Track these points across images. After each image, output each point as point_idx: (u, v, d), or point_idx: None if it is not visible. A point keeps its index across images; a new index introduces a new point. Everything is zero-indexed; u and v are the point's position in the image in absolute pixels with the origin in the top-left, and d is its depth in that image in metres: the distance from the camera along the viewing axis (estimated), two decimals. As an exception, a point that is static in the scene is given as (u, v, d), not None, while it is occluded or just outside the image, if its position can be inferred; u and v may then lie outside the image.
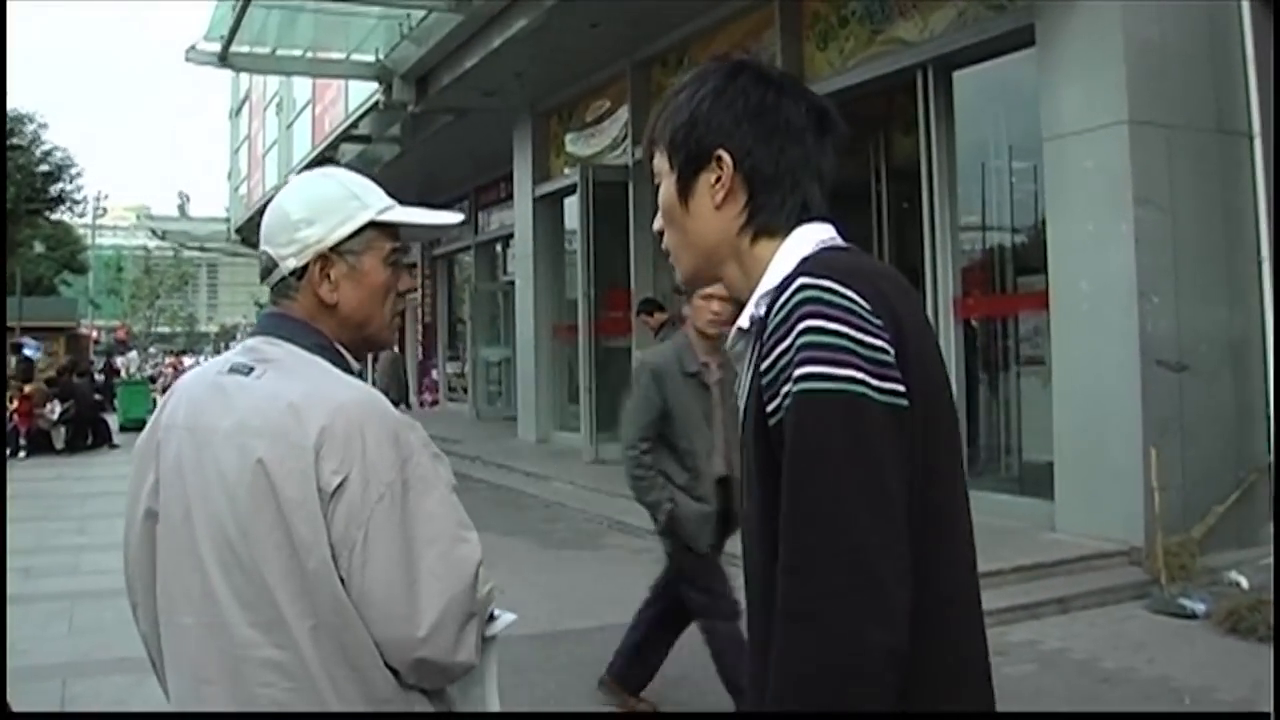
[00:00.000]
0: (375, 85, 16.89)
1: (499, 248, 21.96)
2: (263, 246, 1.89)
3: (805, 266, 1.48)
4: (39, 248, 30.86)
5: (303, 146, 23.40)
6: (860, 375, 1.35)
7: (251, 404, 1.74)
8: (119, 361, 42.68)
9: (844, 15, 10.72)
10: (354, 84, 18.84)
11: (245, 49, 15.89)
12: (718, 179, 1.59)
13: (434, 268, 25.72)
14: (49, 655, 6.27)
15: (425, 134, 18.76)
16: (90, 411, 21.50)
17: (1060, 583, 7.36)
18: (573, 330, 15.41)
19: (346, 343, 1.89)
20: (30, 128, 24.32)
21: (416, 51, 15.07)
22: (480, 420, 21.53)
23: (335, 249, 1.86)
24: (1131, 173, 7.71)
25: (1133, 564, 7.57)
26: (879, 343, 1.38)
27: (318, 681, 1.67)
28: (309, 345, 1.83)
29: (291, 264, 1.86)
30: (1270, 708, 4.79)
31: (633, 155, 14.04)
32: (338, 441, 1.68)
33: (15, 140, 23.97)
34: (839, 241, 1.58)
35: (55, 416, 20.18)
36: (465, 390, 23.43)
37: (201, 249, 48.10)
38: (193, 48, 15.55)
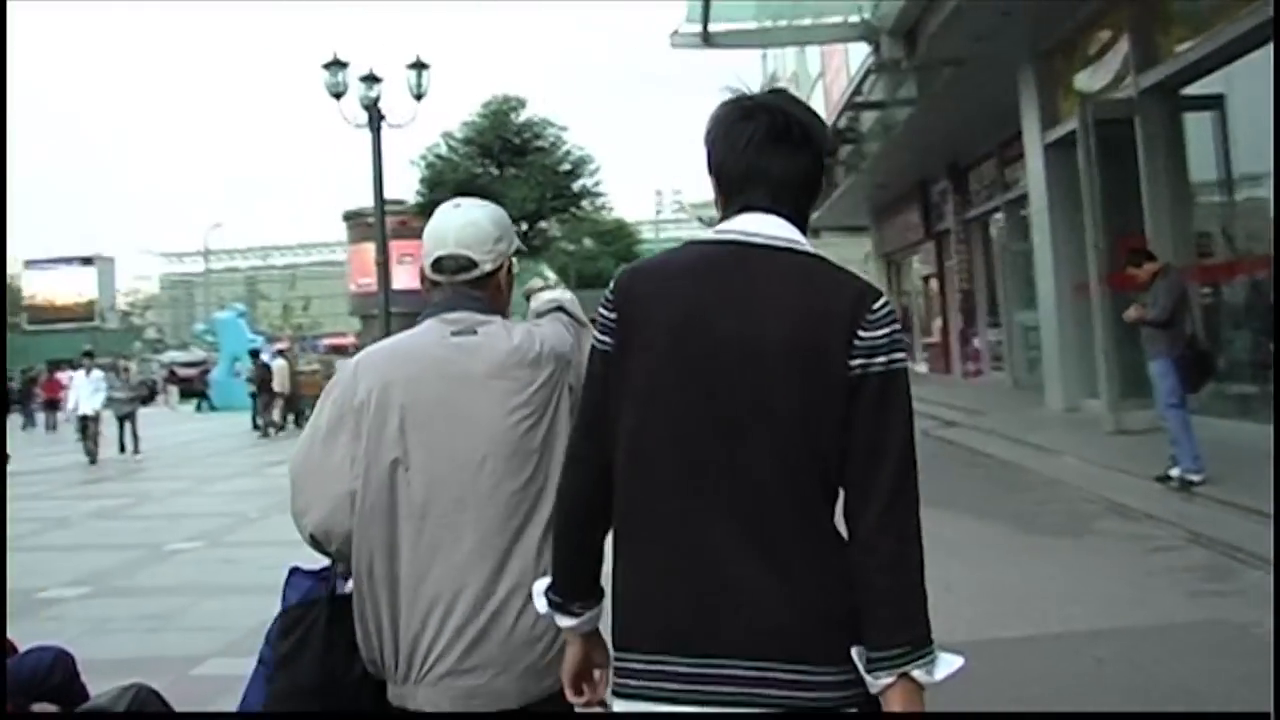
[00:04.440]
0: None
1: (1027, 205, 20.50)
2: (460, 250, 2.60)
3: None
4: (589, 243, 33.37)
5: (820, 119, 23.27)
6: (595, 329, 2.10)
7: (494, 349, 2.51)
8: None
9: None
10: (855, 50, 18.41)
11: (731, 26, 15.95)
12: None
13: (967, 232, 24.56)
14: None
15: (933, 90, 17.89)
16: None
17: None
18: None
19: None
20: (551, 131, 26.47)
21: (899, 4, 14.38)
22: (1018, 388, 20.34)
23: (510, 257, 2.69)
24: None
25: None
26: (604, 311, 2.06)
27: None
28: (499, 313, 2.62)
29: (489, 266, 2.62)
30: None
31: (1137, 87, 12.44)
32: (554, 355, 2.57)
33: (539, 144, 26.22)
34: (732, 228, 2.04)
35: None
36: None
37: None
38: (675, 32, 15.79)
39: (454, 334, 2.52)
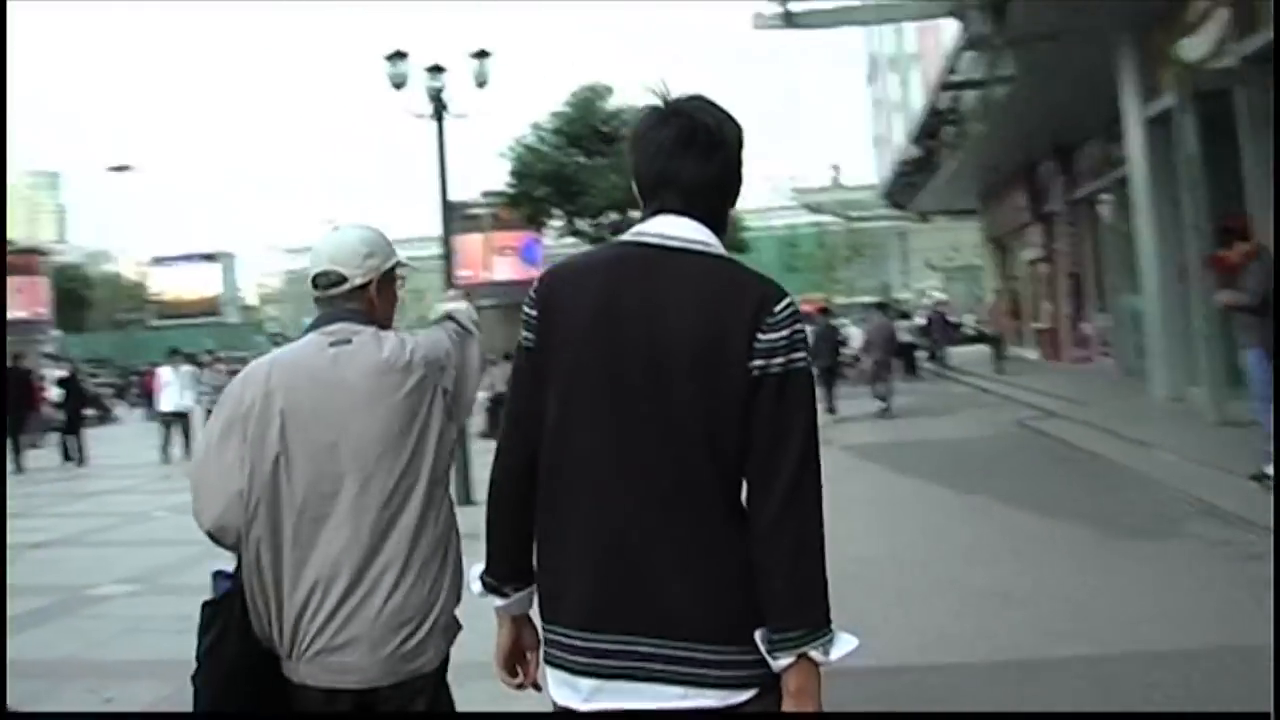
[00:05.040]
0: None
1: (1132, 184, 19.51)
2: (332, 266, 2.86)
3: None
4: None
5: (918, 100, 22.50)
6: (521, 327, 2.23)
7: (366, 357, 2.78)
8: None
9: None
10: (951, 28, 17.71)
11: (812, 5, 15.45)
12: None
13: (1075, 213, 23.54)
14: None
15: (1030, 67, 17.06)
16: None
17: None
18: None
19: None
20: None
21: (984, -24, 13.73)
22: (1129, 376, 19.41)
23: (383, 274, 2.92)
24: None
25: None
26: (527, 309, 2.21)
27: (433, 510, 2.80)
28: (374, 324, 2.86)
29: (359, 280, 2.86)
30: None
31: (1238, 55, 11.63)
32: (425, 361, 2.83)
33: (627, 131, 26.01)
34: (647, 231, 2.18)
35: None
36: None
37: (860, 218, 48.76)
38: (758, 14, 15.37)
39: (331, 344, 2.80)
